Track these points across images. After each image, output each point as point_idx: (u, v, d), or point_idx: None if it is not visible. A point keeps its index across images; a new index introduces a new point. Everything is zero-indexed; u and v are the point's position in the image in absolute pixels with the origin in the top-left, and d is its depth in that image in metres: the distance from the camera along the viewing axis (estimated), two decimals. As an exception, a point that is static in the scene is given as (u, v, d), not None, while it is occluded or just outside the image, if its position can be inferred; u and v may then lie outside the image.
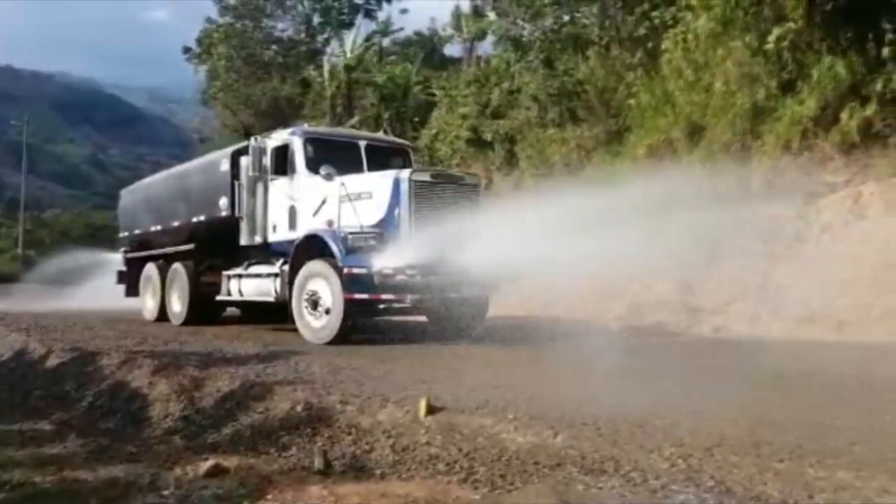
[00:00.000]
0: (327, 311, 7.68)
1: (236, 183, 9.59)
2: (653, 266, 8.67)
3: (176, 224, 11.29)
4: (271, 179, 9.13)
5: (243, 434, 4.49)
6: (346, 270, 7.43)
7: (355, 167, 8.72)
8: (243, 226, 9.58)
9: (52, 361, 7.15)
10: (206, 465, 3.88)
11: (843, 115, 9.42)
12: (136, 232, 12.96)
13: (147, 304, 12.07)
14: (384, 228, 7.67)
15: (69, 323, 10.46)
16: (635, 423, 3.63)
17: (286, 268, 8.36)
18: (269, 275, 8.90)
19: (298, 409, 4.48)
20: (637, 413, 3.81)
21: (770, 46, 10.04)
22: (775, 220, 9.34)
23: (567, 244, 6.39)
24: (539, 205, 8.88)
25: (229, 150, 10.30)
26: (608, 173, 12.45)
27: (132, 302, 12.73)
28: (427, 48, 27.22)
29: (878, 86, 9.14)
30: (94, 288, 16.49)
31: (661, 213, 7.03)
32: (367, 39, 27.14)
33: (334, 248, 7.55)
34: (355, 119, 22.63)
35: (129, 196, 13.96)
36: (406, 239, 7.56)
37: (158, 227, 11.88)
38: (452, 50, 27.36)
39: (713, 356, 7.17)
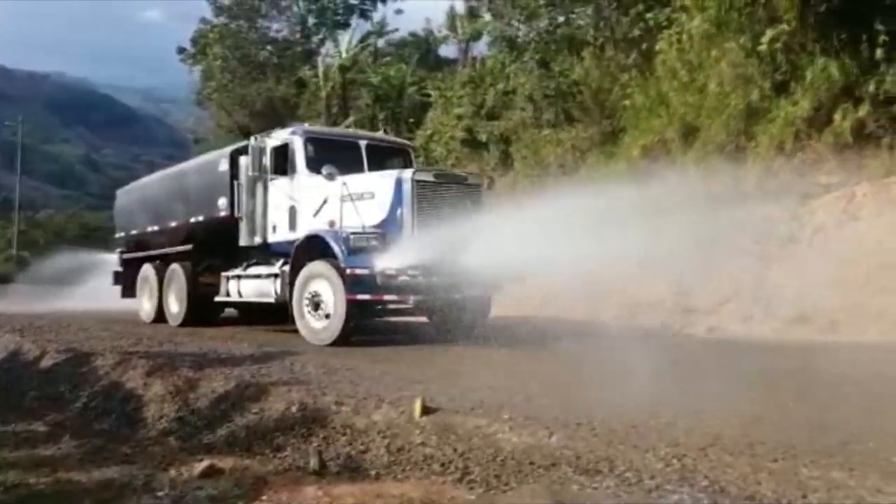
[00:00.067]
0: (327, 316, 7.64)
1: (235, 183, 9.51)
2: (647, 266, 8.68)
3: (173, 224, 11.20)
4: (271, 179, 9.06)
5: (238, 435, 4.48)
6: (348, 271, 7.35)
7: (356, 167, 8.68)
8: (242, 226, 9.50)
9: (46, 362, 7.12)
10: (200, 466, 3.89)
11: (837, 117, 9.48)
12: (133, 232, 12.86)
13: (144, 305, 11.98)
14: (386, 229, 7.60)
15: (64, 324, 10.38)
16: (630, 423, 3.64)
17: (286, 268, 8.29)
18: (268, 275, 8.83)
19: (293, 409, 4.48)
20: (632, 413, 3.82)
21: (764, 48, 10.10)
22: (769, 221, 9.37)
23: (564, 245, 6.39)
24: (535, 205, 8.87)
25: (228, 149, 10.18)
26: (603, 174, 12.50)
27: (129, 303, 12.63)
28: (422, 49, 27.21)
29: (871, 87, 9.20)
30: (90, 289, 16.37)
31: (656, 213, 7.04)
32: (363, 40, 27.20)
33: (336, 249, 7.48)
34: (350, 119, 22.63)
35: (126, 196, 13.84)
36: (408, 239, 7.49)
37: (155, 228, 11.79)
38: (447, 51, 27.49)
39: (707, 356, 7.18)
